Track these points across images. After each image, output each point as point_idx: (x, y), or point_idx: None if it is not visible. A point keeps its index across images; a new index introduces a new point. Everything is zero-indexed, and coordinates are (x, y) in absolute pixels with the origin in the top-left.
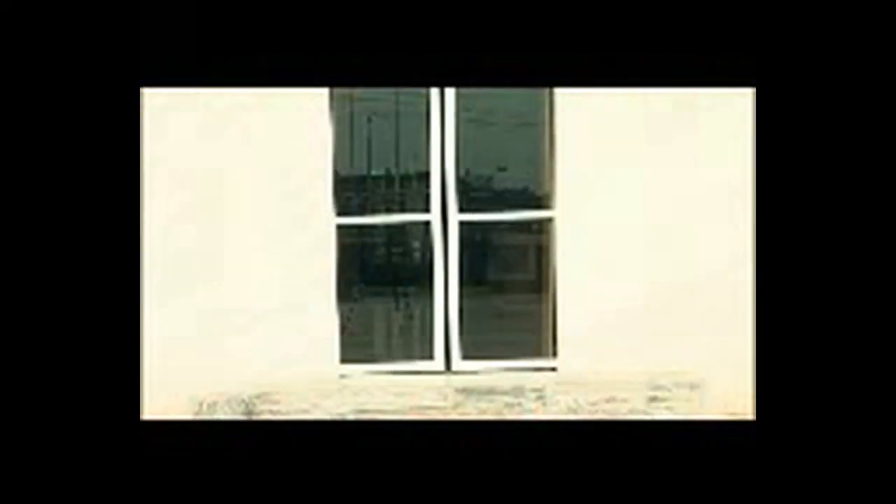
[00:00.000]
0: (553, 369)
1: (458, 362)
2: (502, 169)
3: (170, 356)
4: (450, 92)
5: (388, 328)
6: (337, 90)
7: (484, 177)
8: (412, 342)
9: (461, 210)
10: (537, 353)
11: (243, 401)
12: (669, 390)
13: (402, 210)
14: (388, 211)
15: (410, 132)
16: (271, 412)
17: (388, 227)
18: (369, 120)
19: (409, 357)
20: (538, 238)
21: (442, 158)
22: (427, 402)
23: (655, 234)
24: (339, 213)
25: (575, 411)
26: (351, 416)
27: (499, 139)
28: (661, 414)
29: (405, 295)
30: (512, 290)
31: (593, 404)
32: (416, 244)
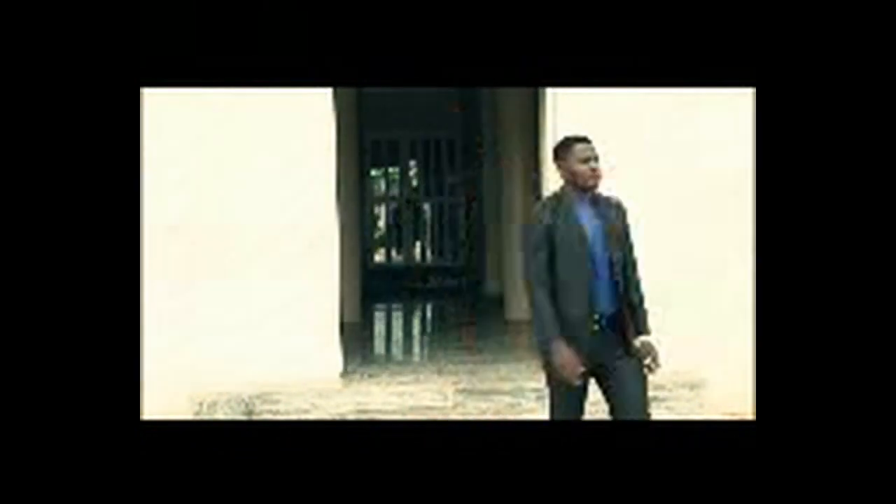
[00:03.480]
0: None
1: None
2: None
3: (170, 356)
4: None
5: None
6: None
7: None
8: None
9: None
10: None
11: (243, 401)
12: (669, 390)
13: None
14: None
15: None
16: (271, 412)
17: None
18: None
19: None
20: None
21: None
22: (427, 402)
23: (655, 233)
24: None
25: None
26: (351, 416)
27: None
28: (661, 414)
29: None
30: None
31: (593, 404)
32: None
